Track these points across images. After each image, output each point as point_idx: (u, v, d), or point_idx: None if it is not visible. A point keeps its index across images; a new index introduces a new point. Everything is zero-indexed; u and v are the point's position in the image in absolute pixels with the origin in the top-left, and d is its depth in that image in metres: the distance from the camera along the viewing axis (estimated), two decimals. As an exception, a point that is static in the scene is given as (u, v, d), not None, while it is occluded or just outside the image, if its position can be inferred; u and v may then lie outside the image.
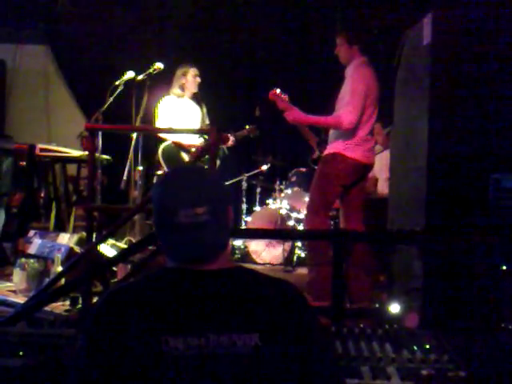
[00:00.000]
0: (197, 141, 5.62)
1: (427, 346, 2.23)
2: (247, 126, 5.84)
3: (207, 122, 5.84)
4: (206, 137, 5.37)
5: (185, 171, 1.73)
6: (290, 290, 1.61)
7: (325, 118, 4.44)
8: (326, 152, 4.47)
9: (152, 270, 1.61)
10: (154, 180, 5.52)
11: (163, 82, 5.65)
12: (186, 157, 5.58)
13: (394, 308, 3.04)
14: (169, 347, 1.43)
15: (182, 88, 5.68)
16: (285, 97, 4.53)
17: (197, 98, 5.81)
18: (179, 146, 5.57)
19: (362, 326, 2.41)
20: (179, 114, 5.61)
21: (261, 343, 1.46)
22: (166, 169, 5.44)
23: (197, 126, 5.75)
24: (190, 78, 5.65)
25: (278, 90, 4.54)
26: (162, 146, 5.53)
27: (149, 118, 5.46)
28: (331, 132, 4.47)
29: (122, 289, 1.62)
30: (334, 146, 4.38)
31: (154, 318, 1.47)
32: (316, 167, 4.72)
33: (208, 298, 1.51)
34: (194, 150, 5.53)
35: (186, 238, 1.53)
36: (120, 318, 1.47)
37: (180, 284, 1.54)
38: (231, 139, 5.73)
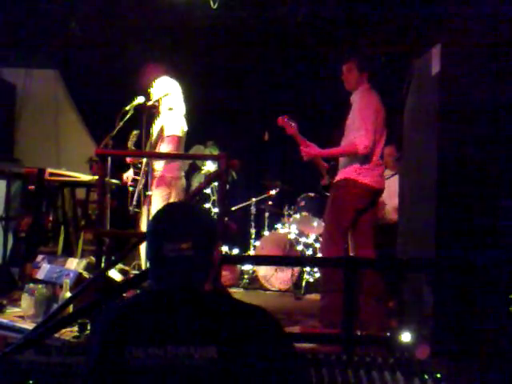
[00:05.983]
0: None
1: (438, 375, 2.22)
2: None
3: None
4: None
5: (175, 207, 1.85)
6: (258, 314, 1.67)
7: (339, 148, 4.45)
8: (337, 178, 4.45)
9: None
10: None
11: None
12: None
13: (406, 337, 3.01)
14: (131, 357, 1.53)
15: None
16: (293, 124, 4.55)
17: None
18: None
19: (373, 354, 2.40)
20: None
21: (218, 357, 1.53)
22: None
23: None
24: None
25: (287, 118, 4.56)
26: None
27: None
28: (342, 158, 4.46)
29: (112, 308, 1.75)
30: (346, 172, 4.36)
31: (123, 331, 1.58)
32: (327, 193, 4.71)
33: (173, 314, 1.59)
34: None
35: (170, 271, 1.63)
36: (106, 333, 1.61)
37: (151, 302, 1.65)
38: None
